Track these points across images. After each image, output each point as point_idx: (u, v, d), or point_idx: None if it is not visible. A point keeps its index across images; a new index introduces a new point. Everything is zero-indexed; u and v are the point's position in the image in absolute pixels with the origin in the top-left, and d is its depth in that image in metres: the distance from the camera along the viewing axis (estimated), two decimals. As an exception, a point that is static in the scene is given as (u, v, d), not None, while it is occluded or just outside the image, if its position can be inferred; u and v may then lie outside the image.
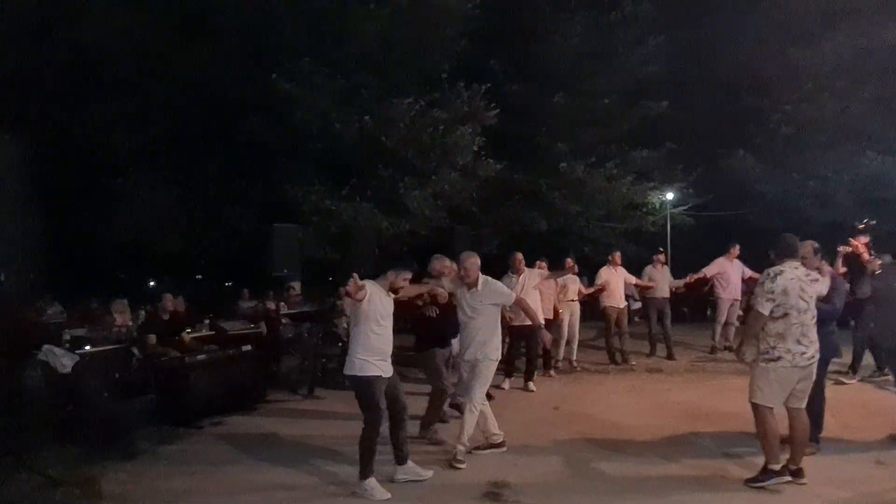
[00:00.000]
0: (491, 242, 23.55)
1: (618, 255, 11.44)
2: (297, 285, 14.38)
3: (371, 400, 5.03)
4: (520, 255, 8.85)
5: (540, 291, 9.08)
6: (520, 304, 6.20)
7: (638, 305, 15.38)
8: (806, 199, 20.80)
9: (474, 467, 5.63)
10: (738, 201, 23.72)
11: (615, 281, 11.20)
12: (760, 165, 21.60)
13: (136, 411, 8.24)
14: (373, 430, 5.01)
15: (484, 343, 5.86)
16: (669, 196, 25.00)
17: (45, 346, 8.58)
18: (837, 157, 19.70)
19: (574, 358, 10.81)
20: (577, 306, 10.86)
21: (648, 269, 11.90)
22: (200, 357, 8.90)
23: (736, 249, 11.54)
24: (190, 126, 16.73)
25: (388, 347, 5.23)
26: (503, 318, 7.26)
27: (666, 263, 12.51)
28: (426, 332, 6.77)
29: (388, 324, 5.24)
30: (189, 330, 10.21)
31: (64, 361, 8.65)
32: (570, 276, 10.36)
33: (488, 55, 20.95)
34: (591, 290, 11.51)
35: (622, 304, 11.20)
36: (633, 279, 11.62)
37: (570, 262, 10.06)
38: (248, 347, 9.49)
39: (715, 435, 6.62)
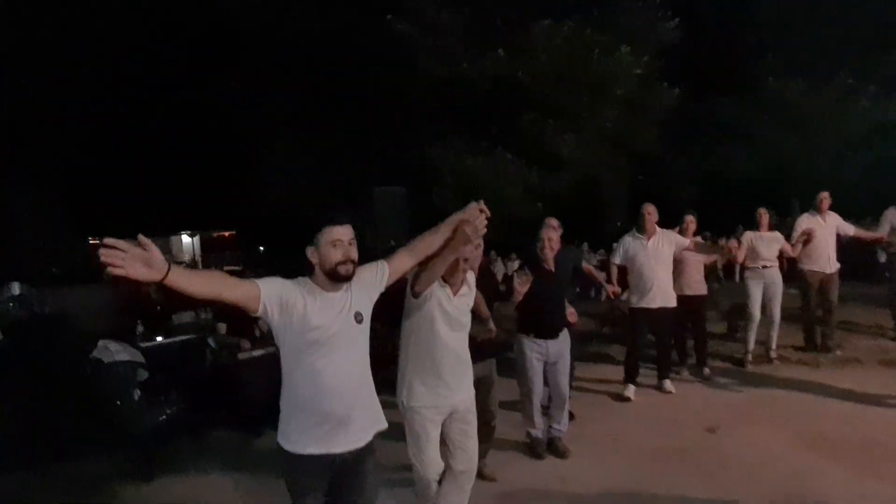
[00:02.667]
0: (683, 191, 19.65)
1: (825, 196, 7.43)
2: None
3: None
4: (650, 207, 5.80)
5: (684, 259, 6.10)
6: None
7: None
8: None
9: None
10: None
11: (822, 233, 7.32)
12: None
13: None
14: None
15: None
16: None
17: (101, 341, 7.83)
18: None
19: (774, 346, 7.18)
20: (775, 273, 7.12)
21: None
22: (257, 353, 7.52)
23: None
24: (319, 88, 15.68)
25: None
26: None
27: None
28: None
29: None
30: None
31: (118, 358, 7.80)
32: (762, 234, 6.95)
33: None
34: (795, 246, 7.54)
35: (831, 267, 7.32)
36: (851, 229, 7.62)
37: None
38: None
39: None
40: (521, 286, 3.91)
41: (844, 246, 7.72)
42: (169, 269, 1.88)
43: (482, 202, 2.43)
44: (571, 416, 4.87)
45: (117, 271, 1.78)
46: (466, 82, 13.52)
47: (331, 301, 2.28)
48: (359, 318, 2.34)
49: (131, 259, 1.80)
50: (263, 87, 15.44)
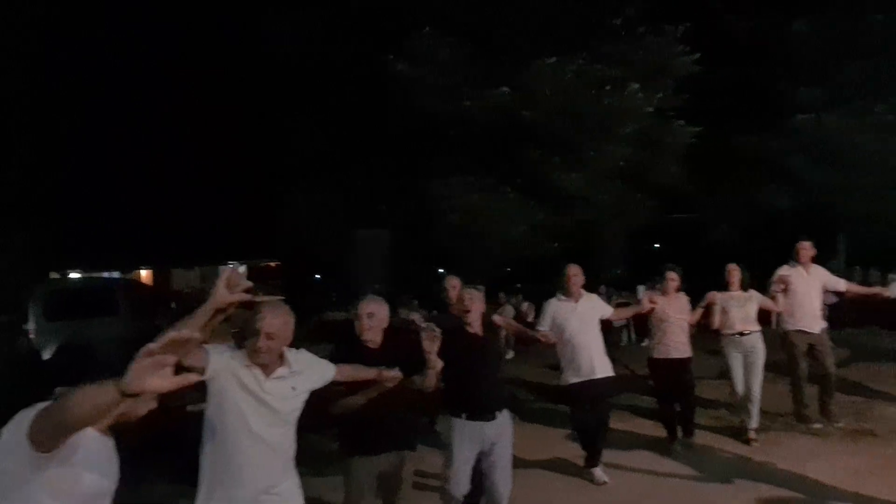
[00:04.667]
0: (716, 230, 18.64)
1: (806, 247, 6.48)
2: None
3: None
4: (574, 269, 5.20)
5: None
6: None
7: None
8: None
9: None
10: None
11: (804, 287, 6.41)
12: None
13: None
14: None
15: None
16: None
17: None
18: None
19: (754, 426, 6.17)
20: (755, 340, 6.23)
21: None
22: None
23: None
24: (334, 128, 15.74)
25: None
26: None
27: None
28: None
29: None
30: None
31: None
32: (733, 295, 6.13)
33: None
34: (776, 299, 6.58)
35: (817, 326, 6.39)
36: (842, 284, 6.68)
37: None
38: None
39: None
40: (429, 345, 3.08)
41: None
42: None
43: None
44: None
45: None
46: (469, 119, 13.23)
47: None
48: None
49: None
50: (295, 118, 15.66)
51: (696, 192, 17.18)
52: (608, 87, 13.14)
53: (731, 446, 5.64)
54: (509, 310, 13.06)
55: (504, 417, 3.68)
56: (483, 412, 3.59)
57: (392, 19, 13.27)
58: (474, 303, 3.70)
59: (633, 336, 12.93)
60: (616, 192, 14.15)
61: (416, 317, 5.20)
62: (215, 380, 2.39)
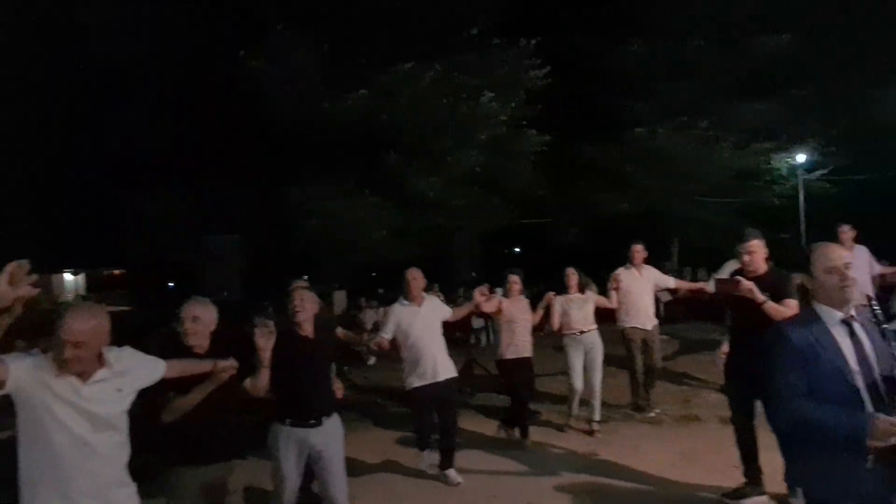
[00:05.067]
0: (566, 234, 19.79)
1: (639, 249, 7.07)
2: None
3: None
4: (415, 272, 5.22)
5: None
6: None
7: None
8: None
9: None
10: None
11: (638, 288, 6.97)
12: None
13: None
14: None
15: None
16: (801, 158, 19.12)
17: None
18: None
19: (596, 418, 6.55)
20: (594, 337, 6.64)
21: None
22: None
23: (847, 232, 6.88)
24: (183, 128, 14.71)
25: None
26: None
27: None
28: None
29: None
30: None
31: None
32: (572, 297, 6.50)
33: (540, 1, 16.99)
34: (610, 296, 7.14)
35: (650, 323, 6.98)
36: (671, 282, 7.33)
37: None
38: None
39: None
40: (262, 341, 2.88)
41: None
42: None
43: None
44: None
45: None
46: (327, 123, 12.96)
47: None
48: None
49: None
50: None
51: (546, 198, 18.14)
52: (464, 96, 13.48)
53: (576, 438, 5.97)
54: (371, 314, 12.98)
55: (332, 423, 3.52)
56: (308, 418, 3.42)
57: (245, 15, 12.71)
58: (305, 304, 3.47)
59: (493, 337, 13.35)
60: (472, 196, 14.58)
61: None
62: (20, 392, 2.09)
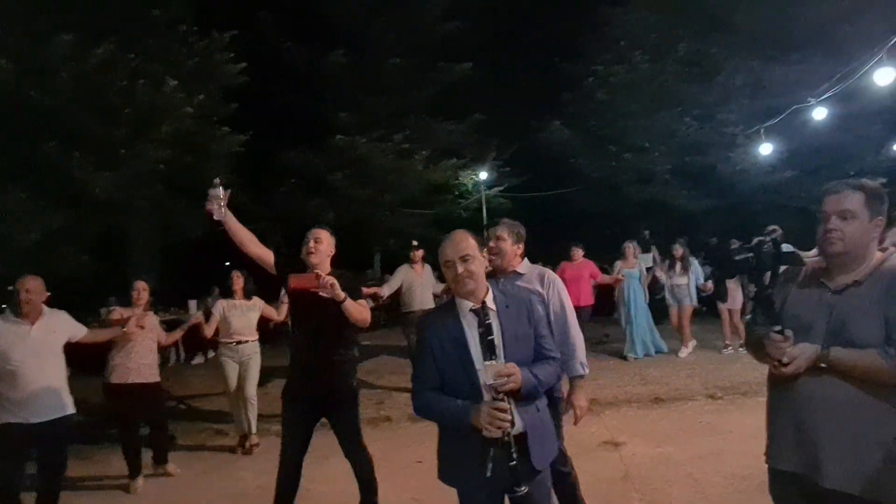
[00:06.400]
0: (272, 239, 18.96)
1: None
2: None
3: None
4: (31, 283, 4.16)
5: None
6: None
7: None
8: (623, 175, 18.16)
9: None
10: (557, 180, 20.85)
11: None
12: (578, 137, 18.73)
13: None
14: None
15: None
16: (483, 176, 21.49)
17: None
18: (654, 125, 17.19)
19: (253, 431, 6.13)
20: (251, 348, 6.34)
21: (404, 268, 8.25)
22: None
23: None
24: None
25: None
26: None
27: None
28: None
29: None
30: None
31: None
32: (236, 303, 6.13)
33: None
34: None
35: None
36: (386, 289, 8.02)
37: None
38: None
39: None
40: None
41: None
42: None
43: None
44: None
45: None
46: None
47: None
48: None
49: None
50: None
51: (248, 205, 17.17)
52: (142, 81, 11.91)
53: (234, 458, 5.68)
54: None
55: None
56: None
57: None
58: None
59: (183, 355, 12.06)
60: (156, 197, 12.98)
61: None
62: None
